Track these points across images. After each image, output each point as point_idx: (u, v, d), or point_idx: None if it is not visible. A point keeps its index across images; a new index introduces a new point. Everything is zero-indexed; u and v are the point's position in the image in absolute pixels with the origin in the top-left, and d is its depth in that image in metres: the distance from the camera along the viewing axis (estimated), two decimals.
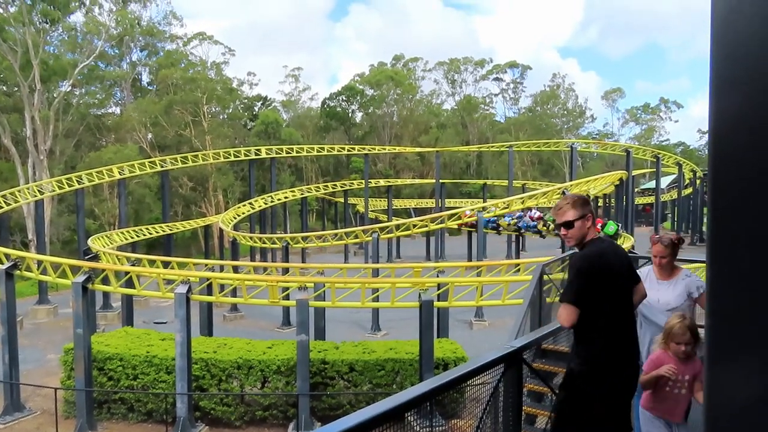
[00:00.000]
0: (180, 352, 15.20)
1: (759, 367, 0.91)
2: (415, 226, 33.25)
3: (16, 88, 46.21)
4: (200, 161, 41.95)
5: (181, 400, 15.32)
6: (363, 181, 51.23)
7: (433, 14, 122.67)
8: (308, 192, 53.10)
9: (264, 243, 34.09)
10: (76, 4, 49.64)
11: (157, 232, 36.41)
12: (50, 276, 19.05)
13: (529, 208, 34.05)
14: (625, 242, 25.06)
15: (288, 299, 18.36)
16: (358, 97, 73.19)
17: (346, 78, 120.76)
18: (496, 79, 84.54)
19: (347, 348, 17.50)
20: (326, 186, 55.95)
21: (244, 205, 41.73)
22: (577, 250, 3.93)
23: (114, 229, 38.52)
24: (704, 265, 1.08)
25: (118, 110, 61.00)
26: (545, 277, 7.77)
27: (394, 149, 62.07)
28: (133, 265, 20.63)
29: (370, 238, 30.46)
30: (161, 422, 16.27)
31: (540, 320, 7.21)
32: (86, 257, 23.81)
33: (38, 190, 33.05)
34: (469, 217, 33.58)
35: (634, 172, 46.59)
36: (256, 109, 72.37)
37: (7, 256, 18.91)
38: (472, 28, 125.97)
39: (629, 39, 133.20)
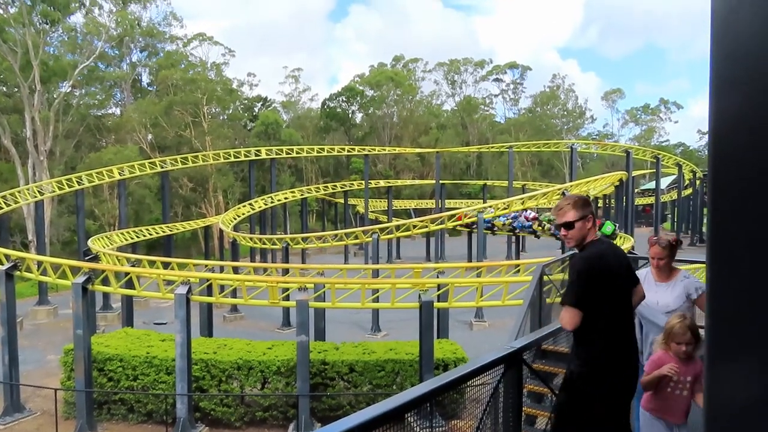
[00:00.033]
0: (180, 353, 15.19)
1: (759, 368, 0.91)
2: (415, 226, 33.26)
3: (16, 89, 46.24)
4: (200, 162, 41.95)
5: (181, 401, 15.31)
6: (363, 181, 51.24)
7: (433, 15, 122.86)
8: (308, 193, 53.11)
9: (264, 244, 34.08)
10: (76, 4, 49.68)
11: (157, 233, 36.41)
12: (50, 277, 19.05)
13: (525, 209, 34.11)
14: (625, 243, 25.05)
15: (288, 300, 18.37)
16: (358, 98, 73.23)
17: (346, 79, 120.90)
18: (496, 79, 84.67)
19: (347, 349, 17.50)
20: (326, 187, 55.95)
21: (244, 206, 41.72)
22: (576, 251, 3.92)
23: (114, 229, 38.52)
24: (704, 265, 1.08)
25: (118, 111, 61.11)
26: (545, 277, 7.77)
27: (394, 150, 62.11)
28: (133, 265, 20.63)
29: (370, 238, 30.46)
30: (161, 423, 16.27)
31: (540, 321, 7.21)
32: (86, 258, 23.81)
33: (38, 191, 33.05)
34: (468, 218, 33.58)
35: (634, 173, 46.59)
36: (256, 109, 72.40)
37: (7, 256, 18.91)
38: (472, 28, 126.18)
39: (629, 40, 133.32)
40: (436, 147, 61.31)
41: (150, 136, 54.82)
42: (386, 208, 54.17)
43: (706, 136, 1.09)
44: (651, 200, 56.99)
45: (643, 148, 56.46)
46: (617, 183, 38.10)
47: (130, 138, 52.96)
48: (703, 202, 51.00)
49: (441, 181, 50.65)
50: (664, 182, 60.11)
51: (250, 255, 40.33)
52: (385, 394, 15.14)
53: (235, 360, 16.47)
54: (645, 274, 5.21)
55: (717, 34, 0.98)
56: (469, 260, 37.03)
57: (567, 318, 3.64)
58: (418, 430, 3.42)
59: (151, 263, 22.06)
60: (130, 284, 18.00)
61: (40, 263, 19.37)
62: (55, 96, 47.55)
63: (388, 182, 58.77)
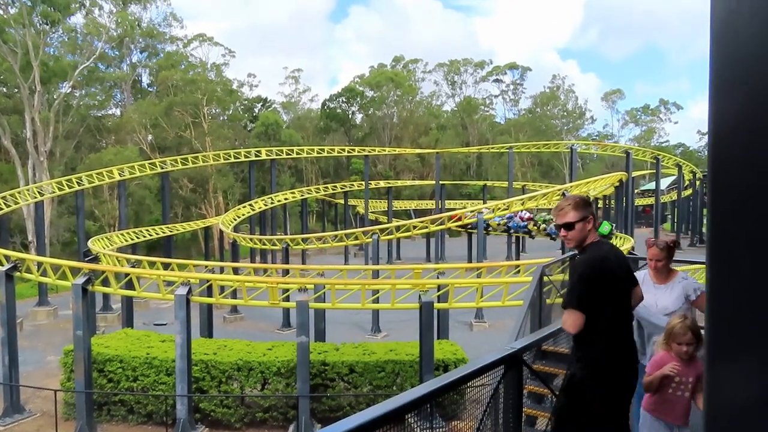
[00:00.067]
0: (180, 354, 15.19)
1: (759, 368, 0.91)
2: (415, 227, 33.26)
3: (16, 90, 46.26)
4: (200, 163, 41.95)
5: (181, 402, 15.31)
6: (363, 182, 51.24)
7: (432, 16, 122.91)
8: (308, 193, 53.11)
9: (264, 244, 34.09)
10: (77, 5, 49.70)
11: (157, 234, 36.41)
12: (50, 278, 19.06)
13: (523, 210, 34.13)
14: (625, 243, 25.05)
15: (288, 301, 18.38)
16: (358, 99, 73.25)
17: (346, 79, 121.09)
18: (496, 80, 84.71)
19: (347, 349, 17.50)
20: (326, 187, 55.95)
21: (244, 207, 41.71)
22: (575, 252, 3.92)
23: (114, 230, 38.51)
24: (704, 266, 1.08)
25: (118, 112, 61.14)
26: (545, 278, 7.77)
27: (394, 151, 62.13)
28: (133, 266, 20.64)
29: (370, 239, 30.47)
30: (161, 424, 16.27)
31: (540, 322, 7.21)
32: (86, 259, 23.82)
33: (38, 192, 33.04)
34: (464, 218, 33.57)
35: (634, 174, 46.59)
36: (257, 110, 72.42)
37: (7, 257, 18.91)
38: (471, 29, 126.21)
39: (629, 41, 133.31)
40: (436, 148, 61.34)
41: (150, 137, 54.85)
42: (386, 209, 54.18)
43: (706, 137, 1.10)
44: (651, 201, 56.99)
45: (643, 148, 56.49)
46: (617, 184, 38.10)
47: (130, 139, 52.97)
48: (703, 203, 51.01)
49: (441, 182, 50.67)
50: (664, 183, 60.13)
51: (250, 256, 40.34)
52: (385, 395, 15.14)
53: (235, 361, 16.47)
54: (643, 276, 5.19)
55: (717, 35, 0.98)
56: (469, 261, 37.02)
57: (570, 321, 3.62)
58: (418, 431, 3.42)
59: (151, 264, 22.07)
60: (130, 285, 18.00)
61: (40, 264, 19.38)
62: (55, 97, 47.57)
63: (388, 183, 58.79)
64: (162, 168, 37.93)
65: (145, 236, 35.56)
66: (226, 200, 53.56)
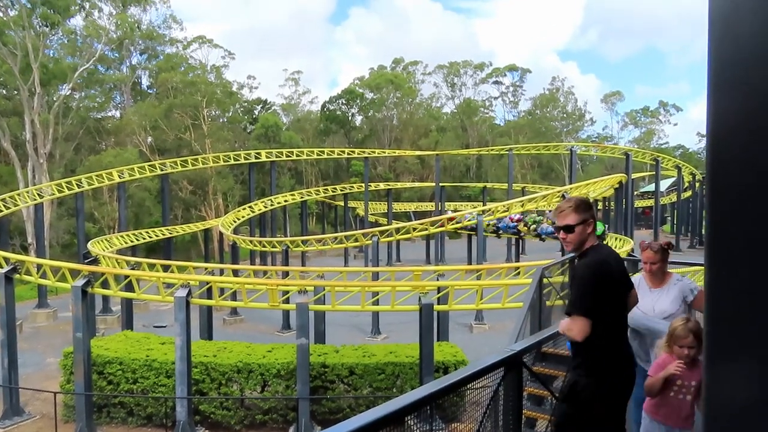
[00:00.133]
0: (180, 356, 15.18)
1: (758, 368, 0.91)
2: (415, 229, 33.26)
3: (15, 92, 46.28)
4: (200, 165, 41.95)
5: (180, 404, 15.29)
6: (363, 184, 51.26)
7: (432, 18, 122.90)
8: (308, 195, 53.12)
9: (264, 246, 34.09)
10: (76, 7, 49.73)
11: (156, 236, 36.41)
12: (50, 280, 19.06)
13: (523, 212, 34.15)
14: (625, 245, 25.06)
15: (288, 303, 18.37)
16: (358, 101, 73.29)
17: (346, 81, 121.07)
18: (496, 82, 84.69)
19: (347, 351, 17.49)
20: (326, 189, 55.98)
21: (244, 209, 41.71)
22: (575, 254, 3.90)
23: (114, 232, 38.54)
24: (703, 268, 1.08)
25: (117, 114, 61.16)
26: (545, 280, 7.76)
27: (394, 152, 62.16)
28: (133, 268, 20.62)
29: (370, 241, 30.46)
30: (161, 426, 16.25)
31: (540, 323, 7.20)
32: (86, 261, 23.82)
33: (38, 194, 33.03)
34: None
35: (634, 175, 46.63)
36: (256, 112, 72.44)
37: (6, 259, 18.91)
38: (471, 31, 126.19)
39: (629, 42, 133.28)
40: (435, 149, 61.35)
41: (150, 139, 54.87)
42: (386, 211, 54.20)
43: (705, 139, 1.10)
44: (650, 202, 57.00)
45: (642, 150, 56.48)
46: (617, 185, 38.14)
47: (130, 141, 52.98)
48: (702, 205, 51.01)
49: (441, 184, 50.70)
50: (664, 185, 60.15)
51: (250, 258, 40.33)
52: (385, 397, 15.13)
53: (235, 363, 16.45)
54: (638, 281, 5.16)
55: (715, 37, 0.98)
56: (469, 263, 37.04)
57: (577, 329, 3.57)
58: None
59: (151, 266, 22.05)
60: (129, 287, 18.01)
61: (39, 266, 19.37)
62: (54, 99, 47.58)
63: (388, 185, 58.80)
64: (162, 170, 37.93)
65: (144, 238, 35.57)
66: (225, 202, 53.59)
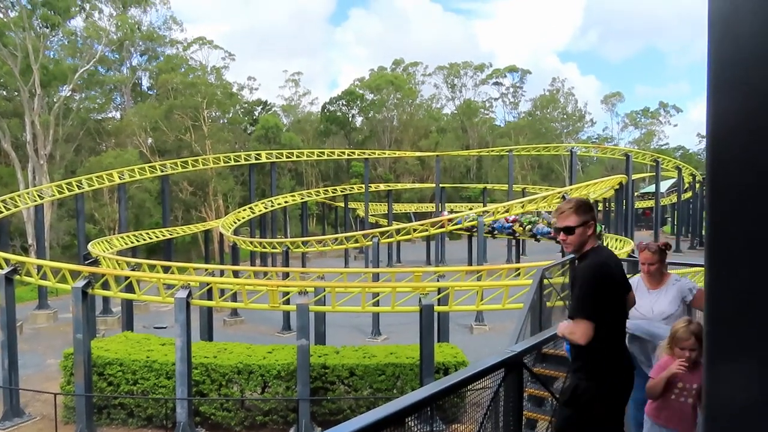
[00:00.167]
0: (180, 357, 15.17)
1: (758, 369, 0.91)
2: (415, 230, 33.26)
3: (16, 93, 46.30)
4: (200, 166, 41.97)
5: (181, 406, 15.29)
6: (363, 185, 51.27)
7: (432, 19, 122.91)
8: (308, 196, 53.13)
9: (264, 247, 34.09)
10: (77, 9, 49.77)
11: (157, 237, 36.42)
12: (50, 281, 19.05)
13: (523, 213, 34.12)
14: (625, 246, 25.06)
15: (288, 304, 18.38)
16: (358, 102, 73.31)
17: (346, 82, 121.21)
18: (496, 83, 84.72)
19: (348, 353, 17.48)
20: (326, 190, 56.00)
21: (244, 210, 41.74)
22: (574, 256, 3.88)
23: (114, 233, 38.54)
24: (703, 268, 1.08)
25: (118, 115, 61.18)
26: (545, 281, 7.76)
27: (394, 154, 62.17)
28: (133, 269, 20.62)
29: (371, 242, 30.46)
30: (161, 427, 16.25)
31: (540, 325, 7.20)
32: (86, 262, 23.82)
33: (38, 195, 33.04)
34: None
35: (634, 176, 46.64)
36: (257, 113, 72.47)
37: (6, 260, 18.91)
38: (471, 32, 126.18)
39: (629, 43, 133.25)
40: (436, 150, 61.35)
41: (150, 140, 54.88)
42: (386, 212, 54.21)
43: (705, 139, 1.09)
44: (651, 203, 57.02)
45: (642, 151, 56.50)
46: (617, 186, 38.16)
47: (130, 142, 53.01)
48: (702, 206, 51.00)
49: (441, 185, 50.72)
50: (664, 185, 60.14)
51: (251, 259, 40.33)
52: (385, 398, 15.13)
53: (236, 364, 16.45)
54: (637, 282, 5.14)
55: (715, 37, 0.98)
56: (470, 264, 37.04)
57: (580, 332, 3.54)
58: None
59: (151, 267, 22.06)
60: (130, 288, 18.00)
61: (39, 267, 19.37)
62: (55, 100, 47.62)
63: (389, 186, 58.83)
64: (162, 171, 37.95)
65: (145, 239, 35.58)
66: (226, 203, 53.60)
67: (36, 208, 33.05)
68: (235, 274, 24.08)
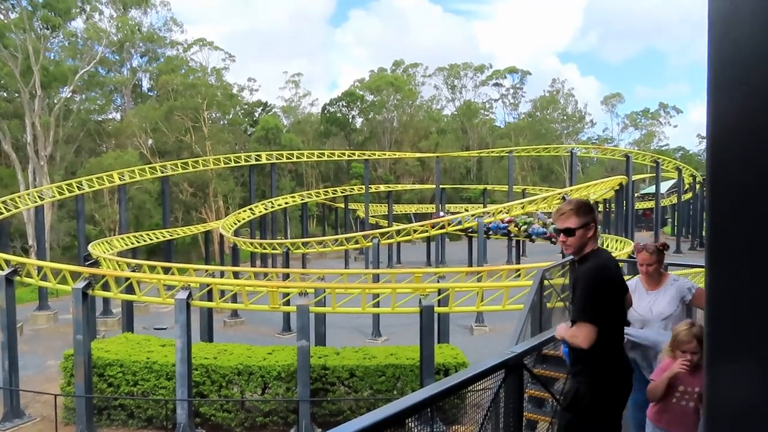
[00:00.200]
0: (180, 358, 15.17)
1: (758, 369, 0.91)
2: (415, 231, 33.26)
3: (16, 94, 46.32)
4: (200, 167, 41.98)
5: (181, 407, 15.28)
6: (363, 186, 51.28)
7: (432, 20, 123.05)
8: (308, 197, 53.13)
9: (264, 249, 34.09)
10: (77, 10, 49.80)
11: (157, 238, 36.42)
12: (50, 282, 19.05)
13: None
14: (625, 247, 25.05)
15: (288, 305, 18.36)
16: (358, 103, 73.34)
17: (346, 83, 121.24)
18: (496, 84, 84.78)
19: (348, 354, 17.47)
20: (326, 191, 56.02)
21: (244, 211, 41.75)
22: (573, 257, 3.84)
23: (114, 234, 38.56)
24: (703, 269, 1.08)
25: (118, 116, 61.20)
26: (546, 282, 7.76)
27: (395, 155, 62.20)
28: (134, 270, 20.63)
29: (371, 243, 30.46)
30: (161, 428, 16.24)
31: (541, 325, 7.19)
32: (86, 263, 23.80)
33: (38, 196, 33.06)
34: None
35: (634, 177, 46.66)
36: (257, 114, 72.52)
37: (7, 262, 18.90)
38: (471, 33, 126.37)
39: (628, 44, 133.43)
40: (436, 151, 61.39)
41: (150, 141, 54.90)
42: (387, 213, 54.23)
43: (705, 140, 1.10)
44: (651, 204, 57.02)
45: (642, 152, 56.52)
46: (617, 187, 38.17)
47: (131, 143, 53.03)
48: (703, 206, 50.99)
49: (441, 186, 50.73)
50: (664, 186, 60.14)
51: (251, 260, 40.34)
52: (385, 399, 15.13)
53: (236, 365, 16.44)
54: (635, 284, 5.13)
55: (715, 38, 0.98)
56: (470, 265, 37.03)
57: (583, 336, 3.50)
58: None
59: (152, 268, 22.06)
60: (130, 289, 18.00)
61: (40, 268, 19.36)
62: (55, 101, 47.65)
63: (389, 187, 58.84)
64: (162, 172, 37.96)
65: (145, 240, 35.58)
66: (226, 204, 53.61)
67: (36, 210, 33.07)
68: (236, 275, 24.09)
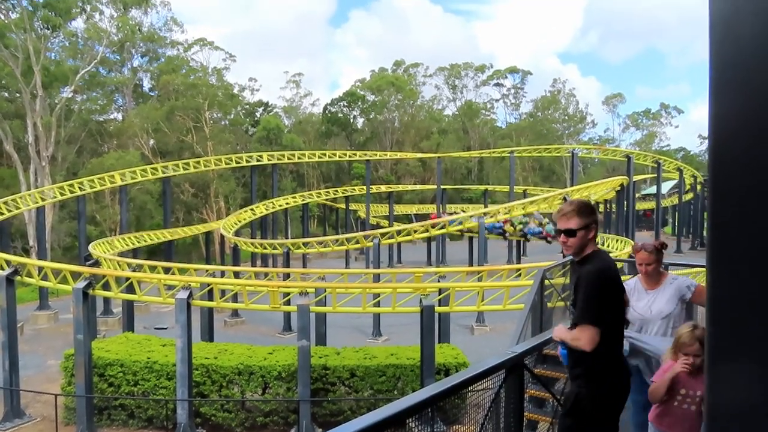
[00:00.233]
0: (181, 358, 15.18)
1: (759, 369, 0.91)
2: (416, 231, 33.25)
3: (17, 95, 46.34)
4: (202, 167, 41.97)
5: (181, 407, 15.29)
6: (364, 186, 51.28)
7: (433, 20, 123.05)
8: (309, 198, 53.13)
9: (265, 249, 34.09)
10: (77, 10, 49.82)
11: (158, 238, 36.43)
12: (51, 282, 19.06)
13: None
14: (626, 247, 25.05)
15: (289, 305, 18.36)
16: (359, 103, 73.34)
17: (347, 84, 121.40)
18: (497, 84, 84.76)
19: (348, 353, 17.48)
20: (327, 192, 56.03)
21: (245, 211, 41.75)
22: (573, 258, 3.82)
23: (115, 235, 38.56)
24: (704, 269, 1.08)
25: (119, 116, 61.23)
26: (546, 282, 7.76)
27: (396, 155, 62.19)
28: (134, 270, 20.64)
29: (371, 243, 30.46)
30: (162, 428, 16.24)
31: (541, 325, 7.19)
32: (87, 263, 23.83)
33: (40, 197, 33.08)
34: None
35: (635, 178, 46.64)
36: (258, 115, 72.55)
37: (8, 262, 18.92)
38: (472, 33, 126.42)
39: (629, 44, 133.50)
40: (437, 152, 61.38)
41: (151, 142, 54.94)
42: (387, 213, 54.24)
43: (707, 141, 1.10)
44: (652, 205, 57.00)
45: (644, 152, 56.45)
46: (618, 188, 38.16)
47: (132, 143, 53.06)
48: (704, 207, 50.95)
49: (442, 186, 50.69)
50: (665, 187, 60.10)
51: (251, 260, 40.34)
52: (386, 400, 15.13)
53: (236, 365, 16.45)
54: (634, 284, 5.13)
55: (716, 38, 0.98)
56: (470, 264, 37.01)
57: (586, 338, 3.48)
58: None
59: (152, 268, 22.07)
60: (130, 289, 18.01)
61: (40, 268, 19.37)
62: (56, 101, 47.66)
63: (390, 187, 58.82)
64: (163, 173, 37.96)
65: (146, 240, 35.60)
66: (227, 205, 53.61)
67: (37, 210, 33.10)
68: (236, 274, 24.09)
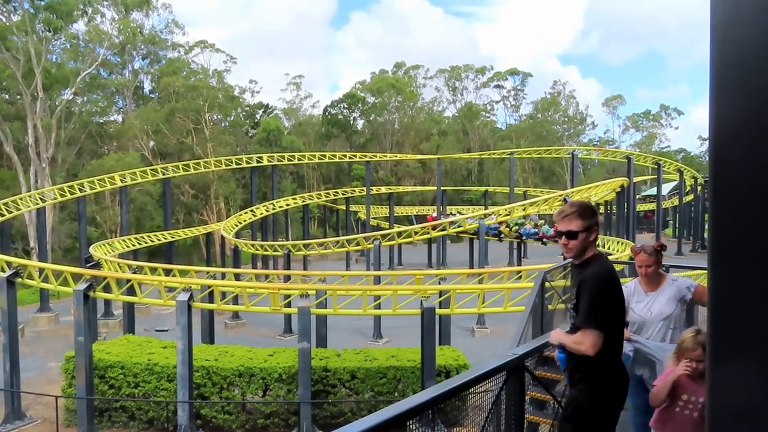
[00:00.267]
0: (181, 360, 15.17)
1: (760, 370, 0.91)
2: (416, 233, 33.24)
3: (18, 96, 46.43)
4: (202, 169, 42.00)
5: (182, 408, 15.28)
6: (364, 188, 51.27)
7: (433, 22, 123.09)
8: (310, 199, 53.14)
9: (265, 250, 34.09)
10: (79, 12, 49.90)
11: (158, 240, 36.44)
12: (52, 284, 19.05)
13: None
14: (627, 249, 25.02)
15: (289, 307, 18.35)
16: (360, 105, 73.40)
17: (348, 85, 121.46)
18: (497, 86, 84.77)
19: (349, 355, 17.46)
20: (328, 193, 56.04)
21: (245, 213, 41.76)
22: (573, 260, 3.80)
23: (115, 236, 38.59)
24: (706, 271, 1.08)
25: (120, 118, 61.32)
26: (547, 284, 7.75)
27: (396, 156, 62.20)
28: (135, 272, 20.64)
29: (372, 245, 30.45)
30: (162, 430, 16.24)
31: (542, 327, 7.19)
32: (88, 265, 23.82)
33: (40, 198, 33.10)
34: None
35: (636, 179, 46.58)
36: (258, 116, 72.60)
37: (8, 264, 18.92)
38: (472, 35, 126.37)
39: (629, 46, 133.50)
40: (437, 153, 61.39)
41: (152, 143, 55.01)
42: (388, 215, 54.23)
43: (707, 142, 1.10)
44: (652, 206, 57.01)
45: (644, 154, 56.42)
46: (618, 189, 38.14)
47: (132, 145, 53.13)
48: (704, 208, 50.93)
49: (442, 188, 50.66)
50: (666, 188, 60.08)
51: (252, 262, 40.34)
52: (386, 402, 15.11)
53: (237, 367, 16.44)
54: (633, 286, 5.12)
55: (716, 40, 0.98)
56: (471, 267, 37.02)
57: (590, 342, 3.44)
58: None
59: (153, 270, 22.08)
60: (131, 291, 18.01)
61: (41, 270, 19.37)
62: (57, 103, 47.73)
63: (390, 189, 58.83)
64: (163, 174, 37.98)
65: (146, 242, 35.60)
66: (227, 206, 53.68)
67: (38, 211, 33.10)
68: (237, 276, 24.10)
